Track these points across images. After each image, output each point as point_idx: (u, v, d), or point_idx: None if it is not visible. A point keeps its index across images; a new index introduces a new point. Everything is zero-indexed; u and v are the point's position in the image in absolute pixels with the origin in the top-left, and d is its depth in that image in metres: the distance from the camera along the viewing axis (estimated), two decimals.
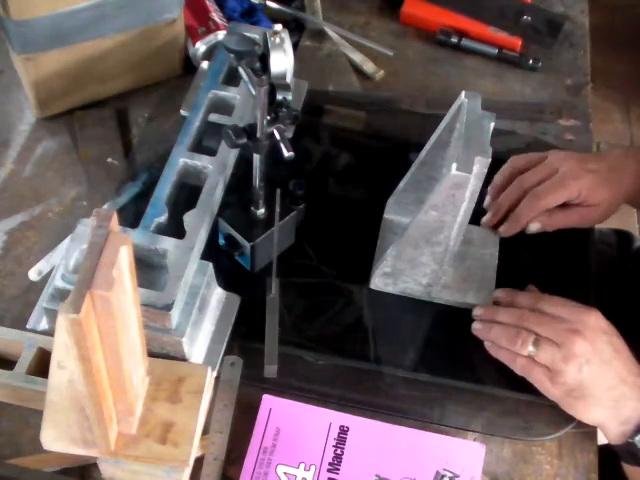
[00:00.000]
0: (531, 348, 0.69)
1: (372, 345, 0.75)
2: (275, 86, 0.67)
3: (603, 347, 0.68)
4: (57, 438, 0.59)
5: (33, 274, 0.78)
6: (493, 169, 0.72)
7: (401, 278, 0.76)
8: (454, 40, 1.02)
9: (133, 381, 0.58)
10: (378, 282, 0.78)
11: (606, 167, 0.82)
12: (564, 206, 0.80)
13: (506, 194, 0.81)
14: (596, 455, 0.72)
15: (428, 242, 0.71)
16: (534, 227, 0.80)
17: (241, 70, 0.71)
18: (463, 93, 0.70)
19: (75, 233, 0.68)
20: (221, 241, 0.77)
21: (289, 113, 0.68)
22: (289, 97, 0.67)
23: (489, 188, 0.83)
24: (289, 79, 0.77)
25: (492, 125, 0.68)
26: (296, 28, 1.01)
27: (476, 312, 0.76)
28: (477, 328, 0.75)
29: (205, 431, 0.67)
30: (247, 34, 0.80)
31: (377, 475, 0.68)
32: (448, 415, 0.72)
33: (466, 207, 0.67)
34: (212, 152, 0.76)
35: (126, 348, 0.54)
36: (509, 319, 0.72)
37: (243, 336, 0.74)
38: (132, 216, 0.75)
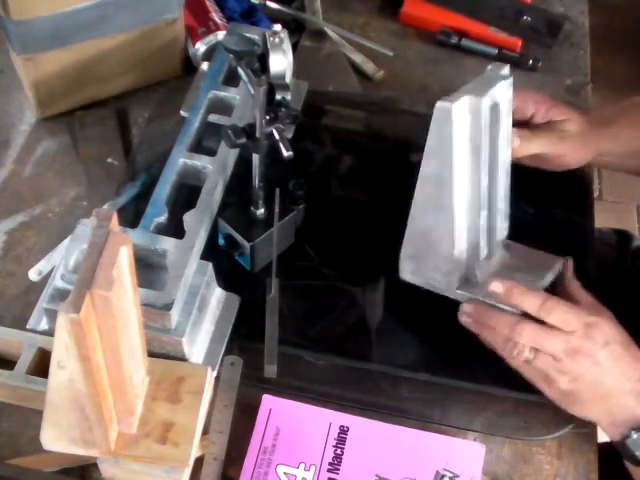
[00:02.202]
0: (527, 354, 0.67)
1: (372, 345, 0.75)
2: (274, 86, 0.67)
3: (602, 360, 0.66)
4: (57, 438, 0.59)
5: (33, 274, 0.78)
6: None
7: (423, 264, 0.72)
8: (454, 40, 1.02)
9: (133, 381, 0.58)
10: (404, 268, 0.74)
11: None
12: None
13: None
14: (596, 455, 0.72)
15: (435, 206, 0.68)
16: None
17: (240, 70, 0.71)
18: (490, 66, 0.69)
19: (75, 233, 0.68)
20: (221, 241, 0.77)
21: (288, 113, 0.68)
22: (288, 97, 0.67)
23: None
24: (288, 79, 0.77)
25: (506, 84, 0.66)
26: (296, 28, 1.01)
27: (465, 309, 0.71)
28: (466, 321, 0.71)
29: (205, 431, 0.67)
30: (247, 34, 0.80)
31: (377, 475, 0.68)
32: (448, 415, 0.72)
33: (460, 152, 0.65)
34: (212, 152, 0.76)
35: (126, 348, 0.54)
36: (502, 329, 0.67)
37: (243, 336, 0.74)
38: (132, 216, 0.75)
